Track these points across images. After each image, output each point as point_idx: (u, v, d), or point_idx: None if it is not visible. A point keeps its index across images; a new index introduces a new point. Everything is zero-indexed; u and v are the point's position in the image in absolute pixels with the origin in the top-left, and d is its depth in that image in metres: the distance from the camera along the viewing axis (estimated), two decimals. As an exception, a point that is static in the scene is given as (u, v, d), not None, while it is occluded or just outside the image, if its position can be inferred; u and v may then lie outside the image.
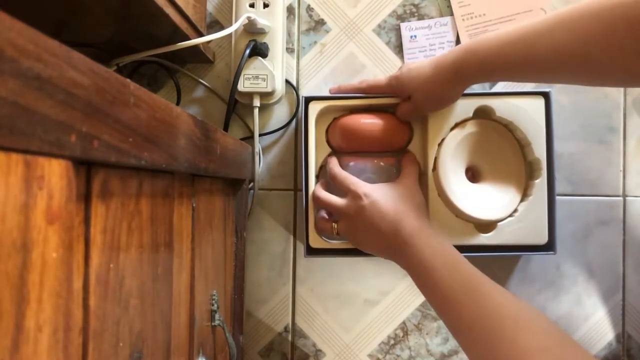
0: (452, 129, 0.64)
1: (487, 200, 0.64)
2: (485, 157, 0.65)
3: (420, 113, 0.64)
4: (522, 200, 0.65)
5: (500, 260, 0.70)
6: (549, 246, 0.64)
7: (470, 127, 0.64)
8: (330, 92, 0.67)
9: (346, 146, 0.65)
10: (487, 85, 0.71)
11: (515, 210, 0.64)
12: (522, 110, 0.64)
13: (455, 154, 0.63)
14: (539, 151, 0.64)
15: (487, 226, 0.64)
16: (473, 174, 0.66)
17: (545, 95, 0.64)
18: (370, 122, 0.63)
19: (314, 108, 0.65)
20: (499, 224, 0.64)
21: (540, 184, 0.64)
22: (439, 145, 0.64)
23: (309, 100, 0.65)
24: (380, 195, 0.57)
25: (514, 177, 0.65)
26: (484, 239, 0.64)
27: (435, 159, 0.64)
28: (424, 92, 0.60)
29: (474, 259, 0.62)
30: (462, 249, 0.63)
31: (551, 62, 0.48)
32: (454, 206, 0.63)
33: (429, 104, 0.62)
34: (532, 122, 0.64)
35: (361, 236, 0.58)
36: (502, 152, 0.65)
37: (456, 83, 0.57)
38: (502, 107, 0.64)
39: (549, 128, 0.64)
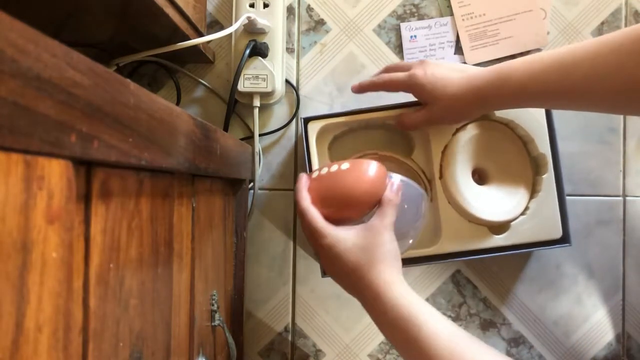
0: (453, 134, 0.64)
1: (498, 201, 0.64)
2: (490, 158, 0.65)
3: (434, 124, 0.61)
4: (531, 197, 0.65)
5: (500, 260, 0.70)
6: (564, 239, 0.64)
7: (471, 130, 0.64)
8: (352, 90, 0.64)
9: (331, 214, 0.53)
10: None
11: (527, 208, 0.64)
12: None
13: (460, 158, 0.63)
14: (543, 146, 0.64)
15: (500, 227, 0.64)
16: (480, 176, 0.66)
17: None
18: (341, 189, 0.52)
19: (313, 128, 0.65)
20: (512, 223, 0.64)
21: (547, 178, 0.64)
22: (443, 151, 0.64)
23: (307, 120, 0.65)
24: (342, 239, 0.49)
25: (521, 175, 0.65)
26: (499, 240, 0.64)
27: (441, 166, 0.64)
28: (447, 107, 0.57)
29: (489, 258, 0.63)
30: (478, 252, 0.64)
31: (591, 88, 0.45)
32: (466, 211, 0.62)
33: (447, 118, 0.59)
34: (533, 118, 0.64)
35: (327, 269, 0.52)
36: (506, 151, 0.65)
37: (483, 106, 0.56)
38: None
39: (550, 121, 0.64)
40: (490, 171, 0.65)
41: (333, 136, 0.67)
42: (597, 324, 0.71)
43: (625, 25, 0.71)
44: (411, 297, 0.47)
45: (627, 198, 0.71)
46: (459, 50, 0.71)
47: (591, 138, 0.71)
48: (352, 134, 0.69)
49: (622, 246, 0.71)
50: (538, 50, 0.71)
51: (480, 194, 0.64)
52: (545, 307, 0.71)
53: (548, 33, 0.71)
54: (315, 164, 0.64)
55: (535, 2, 0.71)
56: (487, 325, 0.71)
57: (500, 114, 0.64)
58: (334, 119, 0.65)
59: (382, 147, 0.68)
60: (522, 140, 0.65)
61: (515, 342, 0.71)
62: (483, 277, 0.71)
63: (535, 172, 0.66)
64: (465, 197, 0.63)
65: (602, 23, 0.71)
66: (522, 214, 0.64)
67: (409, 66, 0.60)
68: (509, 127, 0.65)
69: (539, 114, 0.64)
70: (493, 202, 0.63)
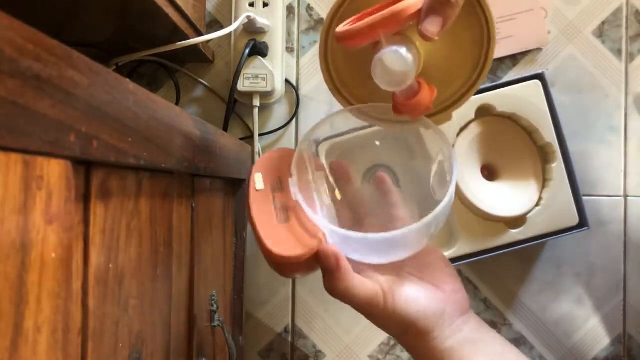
0: (457, 134, 0.64)
1: (511, 196, 0.64)
2: (498, 153, 0.65)
3: None
4: (543, 187, 0.65)
5: (501, 261, 0.70)
6: (581, 224, 0.64)
7: (475, 128, 0.64)
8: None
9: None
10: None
11: (540, 199, 0.64)
12: (522, 99, 0.64)
13: (468, 158, 0.63)
14: (548, 135, 0.64)
15: (517, 221, 0.64)
16: (489, 173, 0.66)
17: (540, 77, 0.64)
18: None
19: (321, 150, 0.65)
20: (528, 216, 0.64)
21: (557, 166, 0.64)
22: None
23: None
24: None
25: (531, 166, 0.65)
26: (517, 234, 0.64)
27: None
28: None
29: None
30: (497, 249, 0.64)
31: None
32: (480, 210, 0.62)
33: None
34: (534, 107, 0.64)
35: None
36: (513, 144, 0.65)
37: None
38: (502, 101, 0.64)
39: (552, 108, 0.64)
40: (499, 166, 0.65)
41: (339, 152, 0.67)
42: (597, 324, 0.71)
43: (626, 25, 0.71)
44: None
45: (629, 198, 0.71)
46: (459, 50, 0.71)
47: (592, 138, 0.71)
48: (358, 146, 0.68)
49: (623, 247, 0.71)
50: (539, 50, 0.71)
51: (492, 191, 0.64)
52: (546, 307, 0.71)
53: (549, 32, 0.71)
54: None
55: (536, 2, 0.70)
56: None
57: (502, 108, 0.64)
58: (342, 137, 0.63)
59: (385, 157, 0.59)
60: (526, 132, 0.65)
61: (516, 342, 0.71)
62: (483, 277, 0.71)
63: (543, 161, 0.65)
64: (477, 196, 0.62)
65: (603, 23, 0.71)
66: (537, 205, 0.64)
67: None
68: (512, 119, 0.65)
69: (541, 103, 0.64)
70: (506, 197, 0.63)
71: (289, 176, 0.40)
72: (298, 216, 0.39)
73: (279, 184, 0.41)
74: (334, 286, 0.37)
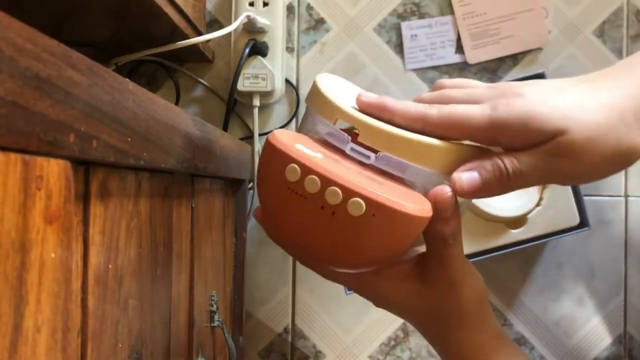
0: None
1: (511, 196, 0.64)
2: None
3: (557, 180, 0.36)
4: (544, 187, 0.65)
5: (501, 261, 0.70)
6: (581, 224, 0.64)
7: None
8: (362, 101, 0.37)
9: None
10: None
11: (541, 199, 0.65)
12: None
13: None
14: None
15: (517, 222, 0.64)
16: None
17: (541, 77, 0.64)
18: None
19: None
20: (528, 216, 0.64)
21: None
22: None
23: None
24: None
25: None
26: (518, 234, 0.64)
27: None
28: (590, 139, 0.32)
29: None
30: (497, 249, 0.64)
31: None
32: (481, 210, 0.62)
33: (595, 164, 0.33)
34: None
35: None
36: None
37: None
38: None
39: None
40: None
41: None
42: (598, 324, 0.71)
43: (627, 25, 0.71)
44: None
45: (629, 198, 0.71)
46: (459, 49, 0.71)
47: (592, 138, 0.71)
48: None
49: (624, 247, 0.70)
50: (539, 49, 0.71)
51: None
52: (547, 307, 0.71)
53: (549, 32, 0.71)
54: None
55: (536, 1, 0.70)
56: (488, 325, 0.71)
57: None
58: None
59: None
60: None
61: (516, 342, 0.71)
62: (484, 277, 0.71)
63: None
64: None
65: (604, 22, 0.71)
66: (537, 205, 0.64)
67: (474, 96, 0.35)
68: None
69: None
70: (506, 197, 0.63)
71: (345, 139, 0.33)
72: (389, 175, 0.31)
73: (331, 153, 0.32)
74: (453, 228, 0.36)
